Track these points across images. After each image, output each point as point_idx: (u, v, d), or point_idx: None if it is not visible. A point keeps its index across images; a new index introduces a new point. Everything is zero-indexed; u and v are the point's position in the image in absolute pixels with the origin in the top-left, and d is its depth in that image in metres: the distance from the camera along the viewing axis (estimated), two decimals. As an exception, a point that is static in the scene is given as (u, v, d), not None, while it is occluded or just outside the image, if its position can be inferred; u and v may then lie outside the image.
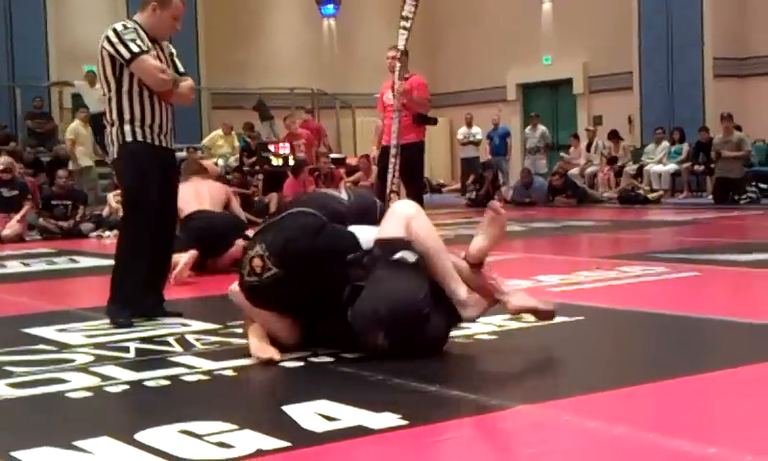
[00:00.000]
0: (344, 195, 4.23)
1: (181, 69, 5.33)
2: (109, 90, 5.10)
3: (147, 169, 5.02)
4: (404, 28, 8.84)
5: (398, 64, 8.88)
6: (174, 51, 5.37)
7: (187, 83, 5.25)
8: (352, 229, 3.99)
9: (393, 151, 8.78)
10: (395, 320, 3.74)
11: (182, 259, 6.88)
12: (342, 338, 3.88)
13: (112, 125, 5.08)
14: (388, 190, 8.78)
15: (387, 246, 3.85)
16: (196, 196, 7.72)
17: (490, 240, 4.10)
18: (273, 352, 3.81)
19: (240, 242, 7.34)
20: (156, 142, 5.08)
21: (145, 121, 5.03)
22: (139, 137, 5.01)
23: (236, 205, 8.10)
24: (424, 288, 3.81)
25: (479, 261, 4.05)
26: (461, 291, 3.90)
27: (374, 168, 15.16)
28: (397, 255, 3.81)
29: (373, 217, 4.12)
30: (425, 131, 9.62)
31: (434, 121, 9.89)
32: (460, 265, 4.02)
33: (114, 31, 5.04)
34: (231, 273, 7.11)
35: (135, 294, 4.99)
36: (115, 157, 5.11)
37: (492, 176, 17.63)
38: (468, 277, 4.00)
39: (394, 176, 8.82)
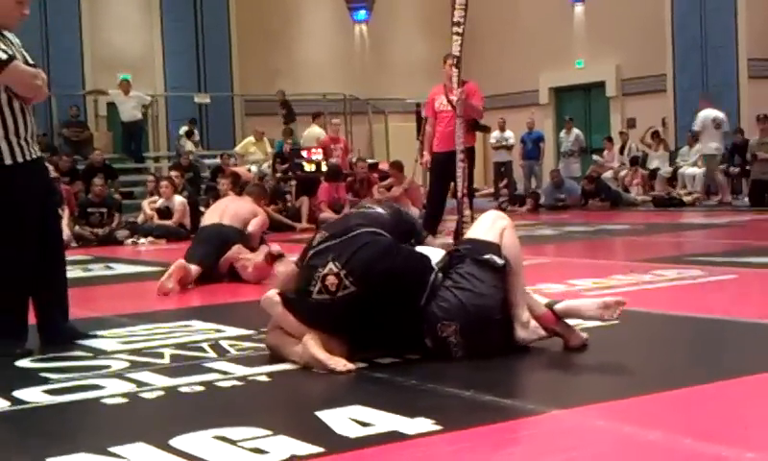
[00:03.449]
0: (380, 209, 4.24)
1: (30, 61, 4.68)
2: None
3: (23, 198, 4.54)
4: (457, 33, 8.83)
5: (455, 71, 8.87)
6: (18, 41, 4.70)
7: (43, 77, 4.66)
8: (419, 249, 4.10)
9: (460, 156, 8.79)
10: (470, 316, 3.82)
11: (168, 270, 6.92)
12: (409, 336, 3.91)
13: None
14: (460, 194, 8.79)
15: (477, 245, 3.99)
16: (222, 211, 7.86)
17: (590, 315, 4.09)
18: (349, 364, 3.74)
19: (236, 247, 7.34)
20: (32, 156, 4.58)
21: (20, 134, 4.52)
22: (18, 157, 4.51)
23: (255, 222, 7.88)
24: (501, 295, 3.93)
25: (564, 316, 4.12)
26: (526, 313, 4.00)
27: (407, 176, 15.23)
28: (486, 256, 3.93)
29: (410, 228, 4.23)
30: (476, 137, 9.65)
31: (488, 129, 9.91)
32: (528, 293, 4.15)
33: None
34: (239, 281, 7.17)
35: None
36: None
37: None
38: (532, 304, 4.08)
39: (464, 180, 8.84)
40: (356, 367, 3.75)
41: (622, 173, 18.37)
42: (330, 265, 3.83)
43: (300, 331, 3.89)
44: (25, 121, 4.57)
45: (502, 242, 4.01)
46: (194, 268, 7.19)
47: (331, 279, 3.81)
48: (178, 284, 6.93)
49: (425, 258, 4.02)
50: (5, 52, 4.47)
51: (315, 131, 17.17)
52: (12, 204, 4.52)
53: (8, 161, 4.48)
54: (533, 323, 4.02)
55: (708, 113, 16.32)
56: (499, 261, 3.92)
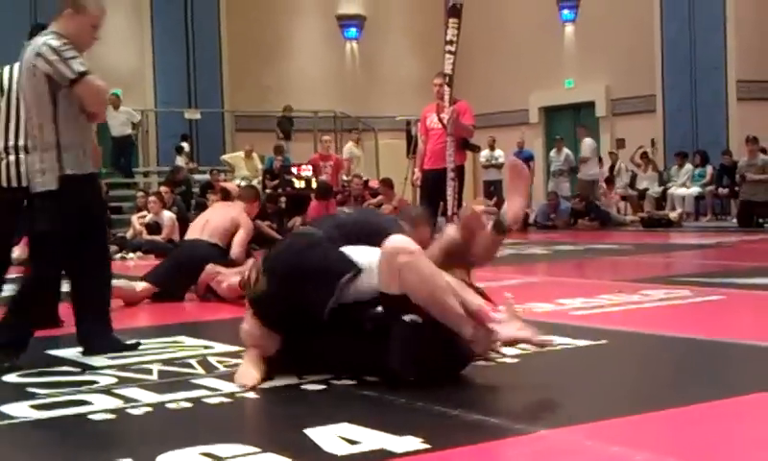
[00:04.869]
0: (348, 210, 4.41)
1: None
2: (41, 114, 4.60)
3: (83, 205, 4.71)
4: (450, 52, 8.82)
5: (447, 89, 8.87)
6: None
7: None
8: (348, 249, 3.90)
9: (450, 174, 8.78)
10: (417, 364, 3.70)
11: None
12: (331, 359, 3.92)
13: (43, 151, 4.61)
14: (450, 212, 8.80)
15: (392, 306, 3.71)
16: (203, 226, 7.73)
17: (522, 197, 4.19)
18: (250, 379, 3.84)
19: (209, 267, 7.17)
20: (88, 170, 4.73)
21: (81, 147, 4.68)
22: (78, 169, 4.65)
23: (237, 243, 7.61)
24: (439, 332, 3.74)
25: (516, 223, 4.17)
26: (466, 330, 3.71)
27: (397, 194, 15.23)
28: (408, 318, 3.69)
29: (375, 231, 4.03)
30: (466, 156, 9.67)
31: (477, 148, 9.94)
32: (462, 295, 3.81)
33: (50, 47, 4.55)
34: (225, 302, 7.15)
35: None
36: (50, 188, 4.60)
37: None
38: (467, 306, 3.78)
39: (454, 198, 8.83)
40: (258, 384, 3.79)
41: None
42: (260, 263, 4.12)
43: (253, 339, 4.08)
44: (84, 136, 4.74)
45: (404, 287, 3.62)
46: (141, 286, 7.18)
47: (253, 276, 4.07)
48: (122, 301, 6.94)
49: (342, 256, 3.84)
50: (82, 64, 4.60)
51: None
52: (68, 218, 4.63)
53: (68, 170, 4.62)
54: (479, 332, 3.71)
55: (590, 143, 18.22)
56: (413, 320, 3.67)
